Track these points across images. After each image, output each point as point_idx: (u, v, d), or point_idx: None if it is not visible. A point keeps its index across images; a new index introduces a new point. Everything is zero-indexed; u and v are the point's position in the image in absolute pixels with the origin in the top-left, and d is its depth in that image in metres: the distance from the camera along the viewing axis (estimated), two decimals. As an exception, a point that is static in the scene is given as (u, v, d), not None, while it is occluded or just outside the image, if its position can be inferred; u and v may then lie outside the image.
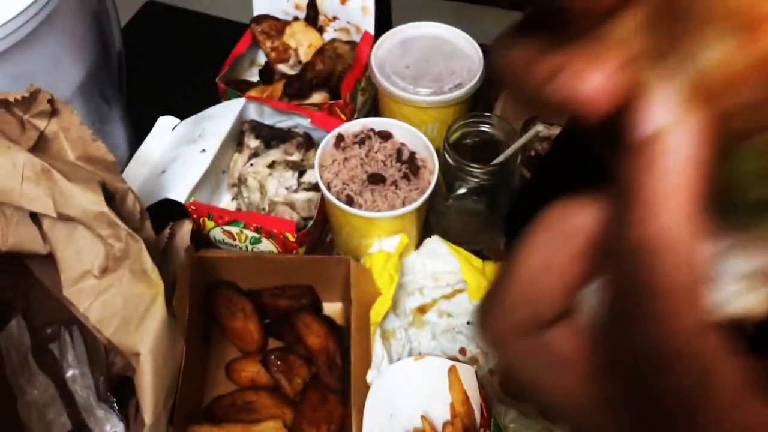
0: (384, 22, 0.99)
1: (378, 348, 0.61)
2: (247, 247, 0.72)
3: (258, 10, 0.91)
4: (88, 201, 0.50)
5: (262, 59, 0.94)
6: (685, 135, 0.15)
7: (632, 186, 0.16)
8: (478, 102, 0.88)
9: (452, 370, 0.58)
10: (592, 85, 0.17)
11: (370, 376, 0.59)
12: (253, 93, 0.85)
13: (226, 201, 0.80)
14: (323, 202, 0.70)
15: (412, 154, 0.70)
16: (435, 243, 0.72)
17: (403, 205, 0.66)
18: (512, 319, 0.20)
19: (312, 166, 0.76)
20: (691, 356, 0.16)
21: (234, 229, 0.70)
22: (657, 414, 0.17)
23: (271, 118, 0.81)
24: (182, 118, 0.80)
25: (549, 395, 0.20)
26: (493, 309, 0.21)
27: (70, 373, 0.62)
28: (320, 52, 0.84)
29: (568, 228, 0.19)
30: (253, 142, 0.79)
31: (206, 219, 0.70)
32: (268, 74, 0.89)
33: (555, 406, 0.20)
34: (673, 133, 0.15)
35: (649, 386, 0.17)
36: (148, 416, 0.51)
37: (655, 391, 0.16)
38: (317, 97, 0.84)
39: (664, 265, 0.15)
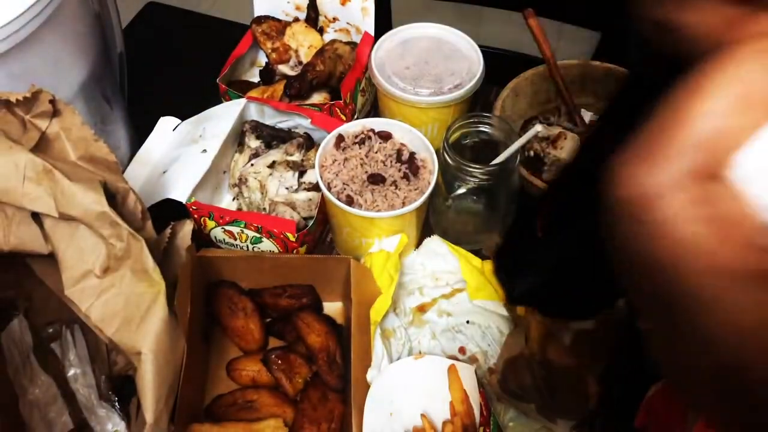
0: (384, 22, 0.99)
1: (378, 347, 0.61)
2: (247, 246, 0.72)
3: (258, 11, 0.92)
4: (90, 201, 0.51)
5: (262, 60, 0.94)
6: None
7: None
8: (477, 102, 0.89)
9: (452, 369, 0.58)
10: None
11: (371, 375, 0.59)
12: (253, 93, 0.85)
13: (227, 201, 0.80)
14: (323, 202, 0.71)
15: (412, 154, 0.70)
16: (435, 243, 0.73)
17: (403, 205, 0.66)
18: (680, 165, 0.17)
19: (312, 167, 0.76)
20: None
21: (235, 229, 0.70)
22: None
23: (271, 118, 0.81)
24: (183, 118, 0.80)
25: (699, 260, 0.17)
26: (651, 153, 0.17)
27: (71, 372, 0.62)
28: (320, 52, 0.84)
29: None
30: (253, 143, 0.79)
31: (207, 219, 0.70)
32: (268, 75, 0.89)
33: (696, 272, 0.17)
34: None
35: None
36: (149, 415, 0.51)
37: None
38: (317, 98, 0.84)
39: None
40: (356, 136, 0.71)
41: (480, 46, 0.80)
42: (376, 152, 0.70)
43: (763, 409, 0.16)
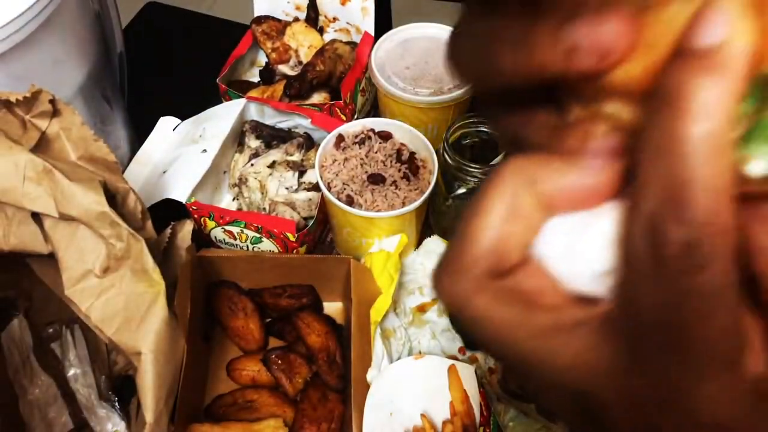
0: (384, 22, 0.99)
1: (378, 347, 0.61)
2: (248, 246, 0.72)
3: (258, 10, 0.92)
4: (90, 201, 0.51)
5: (262, 60, 0.94)
6: (744, 46, 0.16)
7: (681, 90, 0.16)
8: (477, 102, 0.89)
9: (452, 369, 0.58)
10: (615, 28, 0.17)
11: (371, 374, 0.59)
12: (253, 93, 0.85)
13: (227, 201, 0.80)
14: (323, 202, 0.71)
15: (412, 154, 0.70)
16: (435, 243, 0.73)
17: (403, 205, 0.66)
18: (475, 272, 0.21)
19: (312, 166, 0.76)
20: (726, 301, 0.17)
21: (235, 229, 0.70)
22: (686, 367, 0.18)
23: (271, 118, 0.81)
24: (183, 118, 0.80)
25: (517, 332, 0.21)
26: (452, 267, 0.21)
27: (71, 372, 0.62)
28: (320, 52, 0.84)
29: (530, 176, 0.20)
30: (253, 143, 0.79)
31: (207, 219, 0.70)
32: (268, 75, 0.89)
33: (520, 342, 0.21)
34: (734, 44, 0.16)
35: (680, 339, 0.17)
36: (149, 415, 0.51)
37: (689, 342, 0.17)
38: (317, 98, 0.84)
39: (707, 160, 0.16)
40: (356, 136, 0.71)
41: (480, 46, 0.80)
42: (376, 152, 0.70)
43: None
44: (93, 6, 0.73)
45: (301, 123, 0.80)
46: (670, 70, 0.17)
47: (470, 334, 0.23)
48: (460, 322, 0.22)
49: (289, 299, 0.69)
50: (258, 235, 0.70)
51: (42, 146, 0.54)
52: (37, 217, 0.53)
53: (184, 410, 0.57)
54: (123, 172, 0.65)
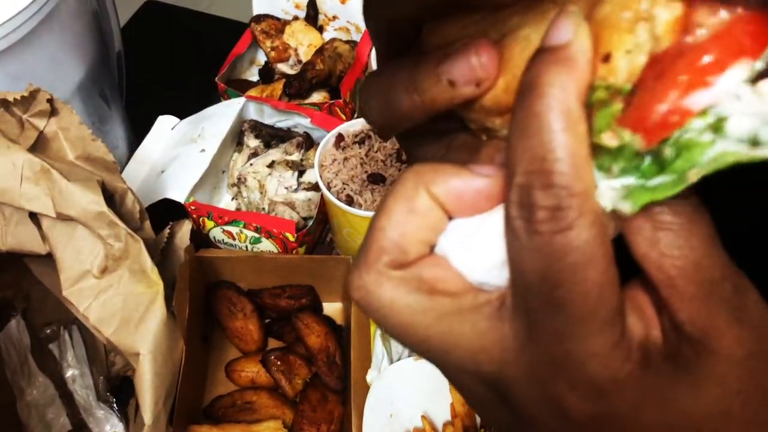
0: (384, 21, 0.99)
1: (378, 348, 0.61)
2: (247, 246, 0.72)
3: (258, 9, 0.91)
4: (88, 201, 0.50)
5: (261, 59, 0.94)
6: (584, 43, 0.19)
7: (537, 77, 0.19)
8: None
9: (452, 370, 0.58)
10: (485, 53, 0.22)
11: (370, 376, 0.59)
12: (252, 92, 0.85)
13: (225, 201, 0.80)
14: (323, 202, 0.70)
15: (412, 153, 0.70)
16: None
17: (403, 204, 0.65)
18: (378, 266, 0.23)
19: (312, 166, 0.76)
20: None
21: (234, 229, 0.70)
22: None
23: (270, 117, 0.81)
24: (182, 117, 0.80)
25: (423, 318, 0.23)
26: (359, 263, 0.23)
27: (69, 373, 0.62)
28: (320, 51, 0.84)
29: (426, 179, 0.23)
30: (252, 142, 0.79)
31: (206, 219, 0.70)
32: (267, 74, 0.89)
33: (423, 329, 0.23)
34: (577, 41, 0.19)
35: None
36: (147, 416, 0.51)
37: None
38: (317, 97, 0.84)
39: (564, 129, 0.19)
40: (356, 136, 0.71)
41: (480, 45, 0.80)
42: (376, 151, 0.70)
43: None
44: (91, 5, 0.72)
45: (300, 122, 0.80)
46: (529, 67, 0.20)
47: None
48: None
49: (288, 300, 0.69)
50: (257, 235, 0.70)
51: (40, 146, 0.54)
52: (34, 217, 0.52)
53: (183, 411, 0.57)
54: (121, 171, 0.65)
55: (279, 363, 0.64)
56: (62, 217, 0.51)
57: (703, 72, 0.18)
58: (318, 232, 0.77)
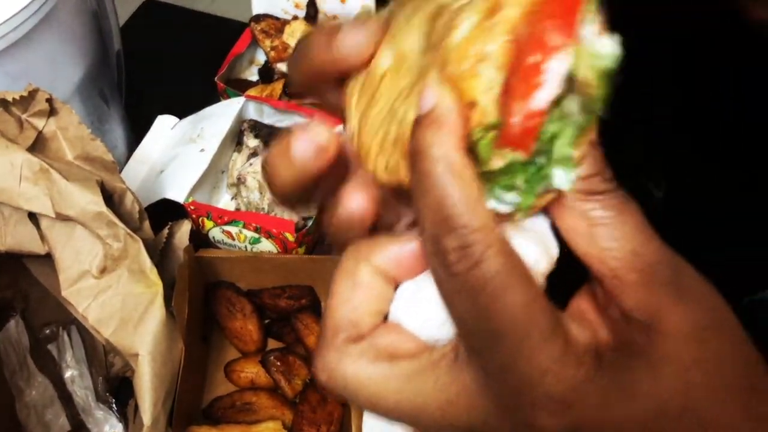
0: (384, 21, 0.99)
1: (378, 348, 0.61)
2: (246, 247, 0.72)
3: (257, 8, 0.91)
4: (87, 201, 0.50)
5: (261, 58, 0.93)
6: (449, 103, 0.21)
7: (419, 141, 0.22)
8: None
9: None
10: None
11: (370, 376, 0.59)
12: (252, 92, 0.84)
13: (225, 201, 0.79)
14: (323, 202, 0.70)
15: (412, 153, 0.70)
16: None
17: (403, 204, 0.65)
18: (336, 344, 0.24)
19: (311, 166, 0.75)
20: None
21: (233, 229, 0.70)
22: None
23: (270, 117, 0.81)
24: (181, 117, 0.79)
25: (383, 389, 0.24)
26: (319, 346, 0.25)
27: (68, 373, 0.62)
28: (320, 51, 0.84)
29: (364, 254, 0.25)
30: (252, 142, 0.78)
31: (205, 219, 0.70)
32: (267, 73, 0.89)
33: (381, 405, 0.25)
34: (442, 103, 0.21)
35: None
36: (146, 417, 0.51)
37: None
38: (317, 97, 0.84)
39: (441, 173, 0.21)
40: (356, 136, 0.71)
41: (480, 45, 0.80)
42: (376, 152, 0.70)
43: None
44: (90, 4, 0.72)
45: (300, 122, 0.79)
46: (410, 137, 0.22)
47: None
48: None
49: (288, 300, 0.69)
50: (257, 236, 0.69)
51: (39, 145, 0.54)
52: (33, 217, 0.52)
53: (182, 412, 0.56)
54: (120, 171, 0.65)
55: (278, 363, 0.64)
56: (61, 217, 0.51)
57: (532, 74, 0.20)
58: (318, 232, 0.76)
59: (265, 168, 0.27)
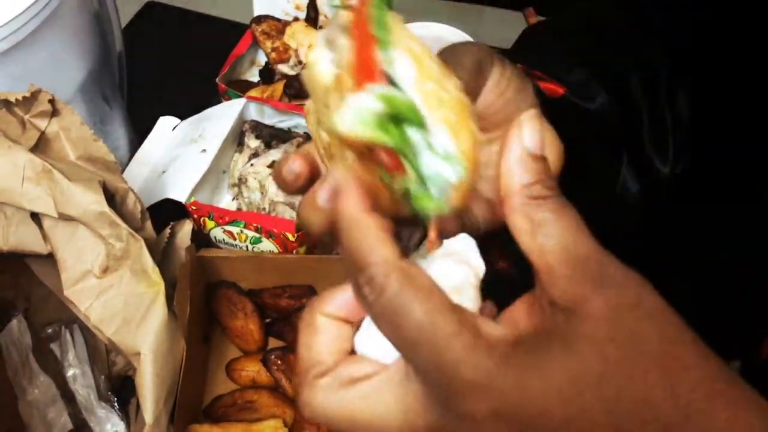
0: (384, 22, 0.99)
1: (378, 347, 0.61)
2: (247, 246, 0.72)
3: (258, 10, 0.91)
4: (89, 201, 0.50)
5: (262, 59, 0.94)
6: (342, 175, 0.27)
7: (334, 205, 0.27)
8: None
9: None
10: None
11: (370, 375, 0.59)
12: (253, 93, 0.85)
13: (226, 201, 0.80)
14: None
15: (412, 154, 0.70)
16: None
17: (403, 204, 0.66)
18: (307, 381, 0.28)
19: (312, 166, 0.76)
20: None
21: (234, 229, 0.70)
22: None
23: (271, 118, 0.81)
24: (183, 118, 0.80)
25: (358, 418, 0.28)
26: (297, 387, 0.32)
27: (71, 372, 0.62)
28: (320, 52, 0.84)
29: (318, 305, 0.30)
30: (253, 142, 0.79)
31: (207, 219, 0.70)
32: (268, 74, 0.89)
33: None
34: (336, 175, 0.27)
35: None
36: (148, 415, 0.51)
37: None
38: (317, 97, 0.84)
39: (350, 226, 0.26)
40: (356, 136, 0.71)
41: (480, 46, 0.80)
42: (376, 152, 0.70)
43: None
44: (92, 6, 0.73)
45: (300, 123, 0.80)
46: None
47: None
48: None
49: (288, 299, 0.69)
50: (257, 235, 0.70)
51: (41, 146, 0.54)
52: (36, 217, 0.53)
53: (184, 411, 0.57)
54: (122, 172, 0.65)
55: (279, 362, 0.64)
56: (64, 217, 0.51)
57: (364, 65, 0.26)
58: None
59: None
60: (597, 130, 0.45)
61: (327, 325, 0.29)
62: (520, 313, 0.27)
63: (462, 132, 0.26)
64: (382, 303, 0.25)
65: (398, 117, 0.25)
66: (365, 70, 0.25)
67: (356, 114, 0.25)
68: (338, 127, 0.25)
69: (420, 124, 0.25)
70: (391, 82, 0.25)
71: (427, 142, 0.26)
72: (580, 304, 0.24)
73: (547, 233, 0.25)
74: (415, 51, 0.26)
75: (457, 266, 0.28)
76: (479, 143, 0.27)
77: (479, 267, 0.29)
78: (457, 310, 0.25)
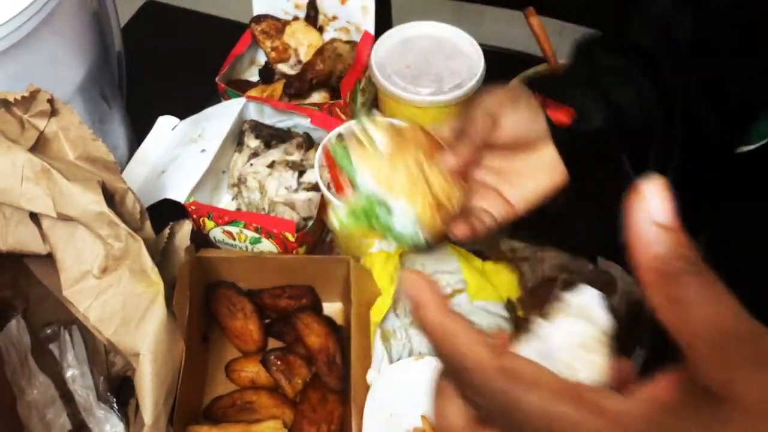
0: (384, 21, 0.99)
1: (378, 348, 0.61)
2: (247, 247, 0.72)
3: (258, 9, 0.91)
4: (88, 201, 0.50)
5: (262, 59, 0.94)
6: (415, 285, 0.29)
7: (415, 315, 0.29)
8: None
9: (452, 370, 0.58)
10: None
11: (370, 376, 0.59)
12: (253, 93, 0.85)
13: (226, 201, 0.80)
14: (323, 202, 0.70)
15: (412, 153, 0.70)
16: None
17: (403, 205, 0.65)
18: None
19: (312, 166, 0.76)
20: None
21: (234, 229, 0.70)
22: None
23: (271, 118, 0.81)
24: (182, 117, 0.80)
25: None
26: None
27: (69, 373, 0.62)
28: (320, 51, 0.84)
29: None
30: (253, 142, 0.79)
31: (206, 219, 0.70)
32: (268, 74, 0.89)
33: None
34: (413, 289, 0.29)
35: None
36: (147, 416, 0.51)
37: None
38: (317, 97, 0.84)
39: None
40: (356, 136, 0.71)
41: (481, 45, 0.80)
42: (376, 152, 0.70)
43: None
44: (91, 5, 0.73)
45: (300, 122, 0.80)
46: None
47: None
48: None
49: (288, 300, 0.69)
50: (257, 236, 0.70)
51: (40, 146, 0.54)
52: (35, 217, 0.53)
53: (183, 411, 0.57)
54: (121, 171, 0.65)
55: (279, 363, 0.64)
56: (62, 217, 0.51)
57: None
58: (318, 232, 0.77)
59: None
60: (601, 151, 0.47)
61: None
62: (659, 388, 0.25)
63: (415, 196, 0.41)
64: (493, 406, 0.25)
65: (364, 208, 0.40)
66: (338, 187, 0.36)
67: (336, 215, 0.38)
68: (331, 226, 0.34)
69: (382, 204, 0.40)
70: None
71: (391, 211, 0.40)
72: (732, 389, 0.21)
73: (689, 311, 0.23)
74: (370, 161, 0.40)
75: (580, 323, 0.28)
76: (434, 196, 0.42)
77: (605, 321, 0.28)
78: (571, 390, 0.24)
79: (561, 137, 0.45)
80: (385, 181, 0.40)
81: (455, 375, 0.26)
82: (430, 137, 0.46)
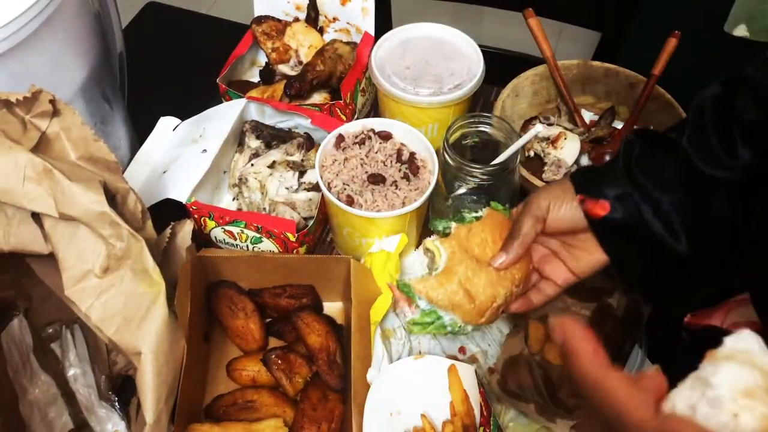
0: (384, 22, 0.99)
1: (378, 347, 0.61)
2: (248, 246, 0.72)
3: (258, 10, 0.92)
4: (90, 201, 0.50)
5: (262, 60, 0.94)
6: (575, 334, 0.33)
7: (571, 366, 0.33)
8: (477, 102, 0.89)
9: (452, 369, 0.58)
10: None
11: (371, 375, 0.59)
12: (253, 93, 0.85)
13: (227, 201, 0.80)
14: (324, 202, 0.71)
15: (412, 154, 0.70)
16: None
17: (403, 205, 0.66)
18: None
19: (312, 167, 0.76)
20: None
21: (235, 229, 0.70)
22: None
23: (271, 118, 0.81)
24: (183, 118, 0.80)
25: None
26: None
27: (71, 372, 0.62)
28: (321, 52, 0.84)
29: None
30: (253, 143, 0.79)
31: (207, 219, 0.70)
32: (268, 75, 0.89)
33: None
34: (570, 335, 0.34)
35: None
36: (149, 415, 0.51)
37: None
38: (318, 98, 0.84)
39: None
40: (356, 136, 0.71)
41: (480, 46, 0.80)
42: (376, 152, 0.70)
43: None
44: (93, 6, 0.73)
45: (301, 123, 0.80)
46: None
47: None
48: None
49: (289, 299, 0.69)
50: (258, 235, 0.70)
51: (42, 146, 0.54)
52: (37, 217, 0.53)
53: (184, 410, 0.57)
54: (123, 172, 0.65)
55: (280, 362, 0.65)
56: (64, 217, 0.51)
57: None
58: (318, 232, 0.77)
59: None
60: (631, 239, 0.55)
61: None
62: None
63: (457, 309, 0.56)
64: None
65: (423, 319, 0.57)
66: (406, 303, 0.57)
67: (407, 323, 0.58)
68: (408, 330, 0.59)
69: (435, 313, 0.57)
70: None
71: (442, 318, 0.57)
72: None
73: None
74: (425, 284, 0.56)
75: (742, 368, 0.28)
76: (478, 304, 0.56)
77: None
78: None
79: (595, 227, 0.54)
80: (436, 302, 0.56)
81: (612, 425, 0.28)
82: (501, 221, 0.58)
